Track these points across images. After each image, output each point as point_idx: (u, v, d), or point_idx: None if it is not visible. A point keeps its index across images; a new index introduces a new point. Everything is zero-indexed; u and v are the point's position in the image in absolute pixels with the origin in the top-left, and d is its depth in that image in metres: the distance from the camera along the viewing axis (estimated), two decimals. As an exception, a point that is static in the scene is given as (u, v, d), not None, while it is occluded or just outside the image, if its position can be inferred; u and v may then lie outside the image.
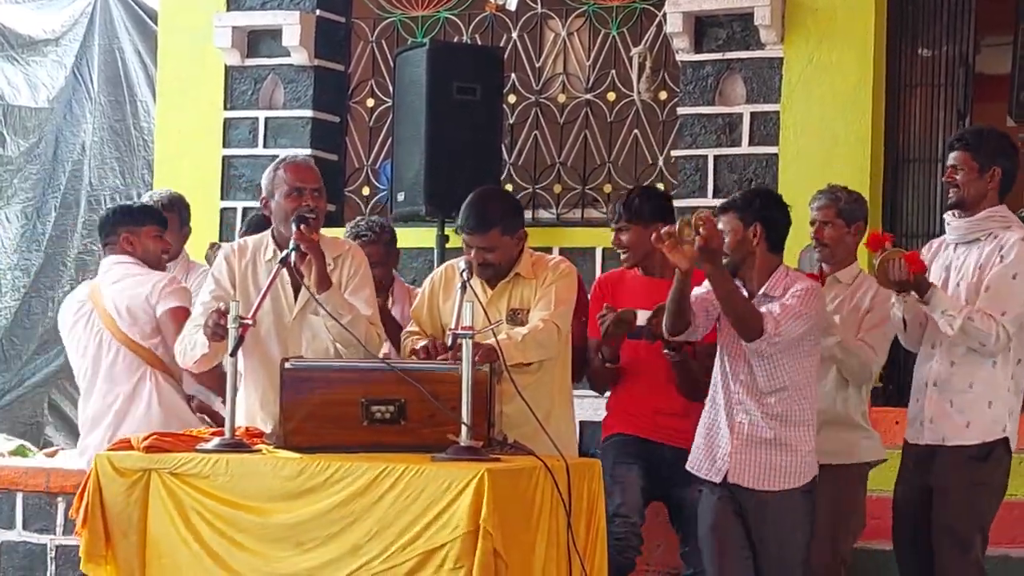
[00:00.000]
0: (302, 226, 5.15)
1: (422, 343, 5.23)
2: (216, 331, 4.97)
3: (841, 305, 5.70)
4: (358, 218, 6.73)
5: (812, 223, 5.78)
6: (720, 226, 5.23)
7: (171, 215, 6.47)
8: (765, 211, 5.30)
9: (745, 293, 5.27)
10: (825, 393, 5.60)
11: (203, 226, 8.73)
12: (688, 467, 5.41)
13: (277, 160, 5.45)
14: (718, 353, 5.37)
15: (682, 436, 5.59)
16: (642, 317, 5.55)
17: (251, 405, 5.31)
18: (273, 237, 5.39)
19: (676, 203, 8.07)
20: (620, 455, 5.80)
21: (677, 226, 5.02)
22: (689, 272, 5.04)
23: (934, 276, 5.43)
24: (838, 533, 5.68)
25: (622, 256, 5.89)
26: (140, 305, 5.88)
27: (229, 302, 4.96)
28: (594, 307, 5.79)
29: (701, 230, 5.01)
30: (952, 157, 5.41)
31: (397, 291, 6.40)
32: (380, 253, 6.25)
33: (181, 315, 5.69)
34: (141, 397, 5.92)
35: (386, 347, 5.51)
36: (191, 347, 5.26)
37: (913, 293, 5.33)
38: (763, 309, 5.16)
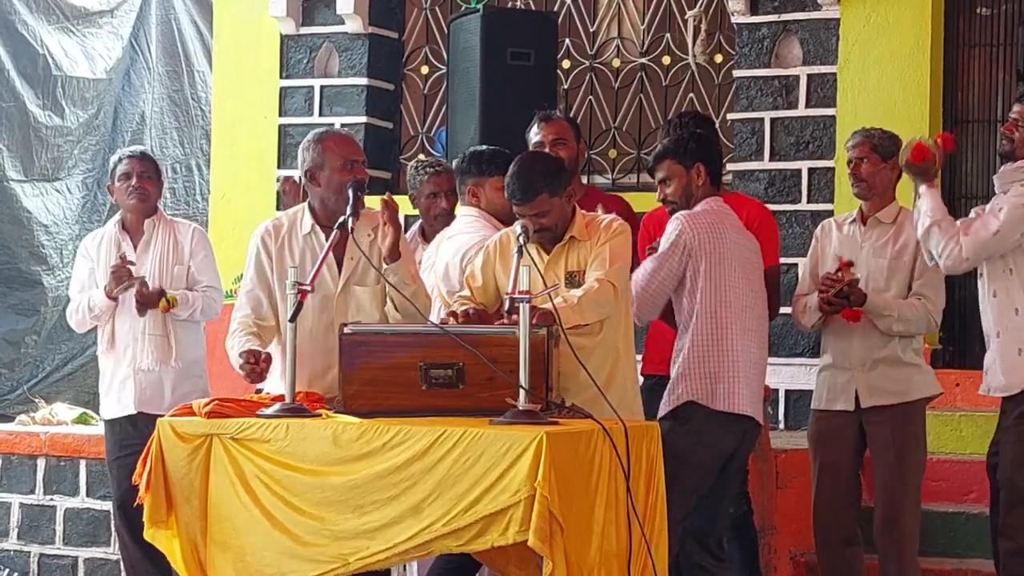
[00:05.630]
0: (387, 193, 5.21)
1: (462, 308, 5.22)
2: (252, 375, 5.06)
3: (884, 248, 5.67)
4: (416, 160, 6.76)
5: (849, 163, 5.79)
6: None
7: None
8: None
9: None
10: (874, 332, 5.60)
11: (260, 194, 8.79)
12: None
13: (315, 134, 5.42)
14: None
15: None
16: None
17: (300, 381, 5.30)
18: (311, 210, 5.40)
19: (732, 166, 8.08)
20: None
21: None
22: None
23: None
24: (902, 475, 5.63)
25: None
26: None
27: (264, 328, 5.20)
28: (641, 244, 5.85)
29: None
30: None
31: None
32: (450, 182, 6.34)
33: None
34: None
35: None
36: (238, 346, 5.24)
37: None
38: None
